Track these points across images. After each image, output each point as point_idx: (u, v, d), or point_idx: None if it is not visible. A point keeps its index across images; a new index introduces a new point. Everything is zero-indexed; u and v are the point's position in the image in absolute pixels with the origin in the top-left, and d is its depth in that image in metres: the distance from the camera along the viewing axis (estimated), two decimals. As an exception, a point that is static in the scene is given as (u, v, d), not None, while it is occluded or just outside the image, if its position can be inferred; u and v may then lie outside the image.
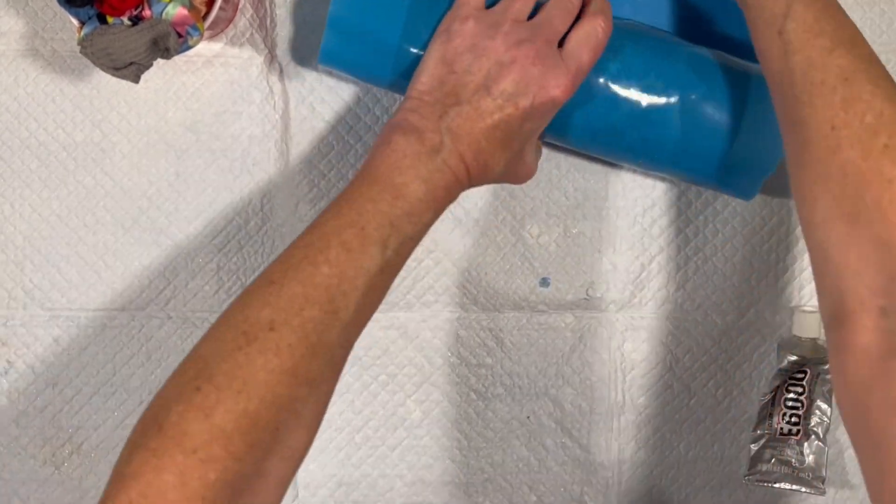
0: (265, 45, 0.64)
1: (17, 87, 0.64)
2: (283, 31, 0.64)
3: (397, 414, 0.67)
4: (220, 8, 0.57)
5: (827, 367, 0.65)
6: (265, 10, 0.64)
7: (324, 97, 0.65)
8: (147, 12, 0.51)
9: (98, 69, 0.53)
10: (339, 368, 0.49)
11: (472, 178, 0.52)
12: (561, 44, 0.53)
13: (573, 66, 0.52)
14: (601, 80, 0.57)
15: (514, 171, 0.56)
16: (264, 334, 0.44)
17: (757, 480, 0.67)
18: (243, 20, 0.64)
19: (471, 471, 0.68)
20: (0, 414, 0.66)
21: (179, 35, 0.52)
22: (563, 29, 0.53)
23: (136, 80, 0.52)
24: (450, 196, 0.52)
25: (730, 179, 0.59)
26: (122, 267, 0.65)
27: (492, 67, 0.51)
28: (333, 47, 0.57)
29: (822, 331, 0.65)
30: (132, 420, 0.66)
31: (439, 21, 0.54)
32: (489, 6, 0.54)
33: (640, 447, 0.67)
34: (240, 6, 0.63)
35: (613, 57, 0.56)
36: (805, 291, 0.66)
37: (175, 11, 0.51)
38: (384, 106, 0.65)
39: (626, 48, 0.57)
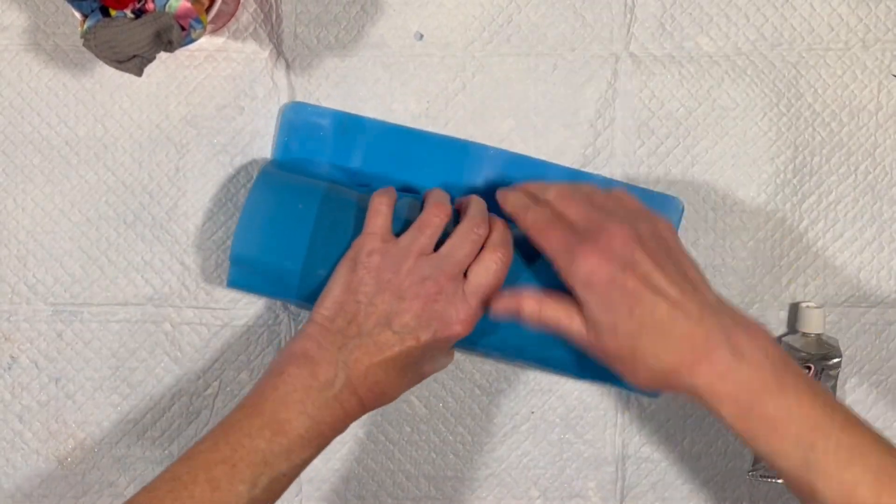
0: (270, 40, 0.64)
1: (20, 82, 0.64)
2: (289, 26, 0.64)
3: (401, 409, 0.67)
4: (223, 1, 0.57)
5: (831, 362, 0.65)
6: (270, 4, 0.64)
7: (329, 92, 0.65)
8: (150, 5, 0.51)
9: (101, 63, 0.53)
10: None
11: (366, 408, 0.53)
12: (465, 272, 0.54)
13: (474, 301, 0.54)
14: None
15: (415, 383, 0.57)
16: None
17: (761, 476, 0.66)
18: (246, 15, 0.64)
19: (474, 466, 0.68)
20: (3, 409, 0.66)
21: (183, 28, 0.52)
22: (468, 261, 0.54)
23: (139, 73, 0.52)
24: (336, 430, 0.52)
25: (630, 388, 0.59)
26: (125, 262, 0.65)
27: (394, 301, 0.53)
28: (240, 279, 0.59)
29: (826, 326, 0.65)
30: (135, 415, 0.66)
31: (338, 258, 0.56)
32: (396, 229, 0.56)
33: (643, 442, 0.67)
34: (242, 0, 0.63)
35: (513, 282, 0.57)
36: (809, 288, 0.66)
37: (178, 4, 0.51)
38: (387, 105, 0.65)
39: (523, 274, 0.57)
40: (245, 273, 0.59)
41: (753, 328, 0.50)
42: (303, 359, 0.52)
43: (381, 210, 0.56)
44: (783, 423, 0.47)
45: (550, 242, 0.53)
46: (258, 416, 0.50)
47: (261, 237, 0.57)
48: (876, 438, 0.47)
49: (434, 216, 0.55)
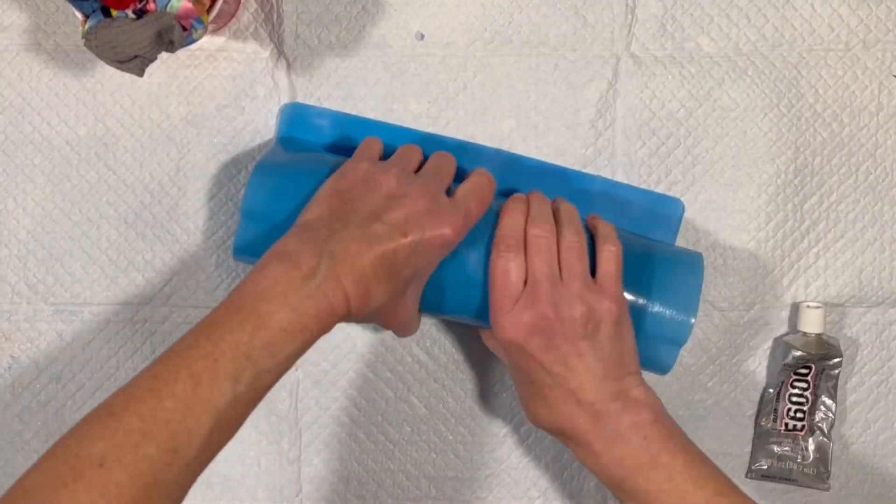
0: (271, 39, 0.64)
1: (20, 82, 0.64)
2: (290, 25, 0.64)
3: (401, 409, 0.67)
4: (224, 1, 0.57)
5: (832, 362, 0.65)
6: (271, 4, 0.64)
7: (330, 92, 0.65)
8: (151, 5, 0.51)
9: (102, 63, 0.53)
10: None
11: (352, 307, 0.50)
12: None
13: (462, 210, 0.54)
14: (478, 257, 0.57)
15: (395, 311, 0.55)
16: (92, 471, 0.41)
17: (761, 476, 0.66)
18: (247, 15, 0.64)
19: (474, 466, 0.68)
20: (3, 409, 0.66)
21: (184, 28, 0.52)
22: (448, 179, 0.57)
23: (140, 73, 0.52)
24: (322, 326, 0.49)
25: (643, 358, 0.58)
26: (126, 261, 0.65)
27: (384, 200, 0.52)
28: (247, 241, 0.57)
29: (827, 326, 0.65)
30: (135, 415, 0.66)
31: None
32: None
33: (644, 443, 0.67)
34: (242, 0, 0.63)
35: (491, 232, 0.57)
36: (811, 288, 0.66)
37: (179, 4, 0.51)
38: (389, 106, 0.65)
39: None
40: (254, 232, 0.57)
41: (642, 412, 0.55)
42: (284, 255, 0.49)
43: (371, 145, 0.58)
44: (654, 496, 0.53)
45: (494, 290, 0.56)
46: (238, 311, 0.48)
47: (272, 192, 0.57)
48: None
49: (405, 148, 0.59)
